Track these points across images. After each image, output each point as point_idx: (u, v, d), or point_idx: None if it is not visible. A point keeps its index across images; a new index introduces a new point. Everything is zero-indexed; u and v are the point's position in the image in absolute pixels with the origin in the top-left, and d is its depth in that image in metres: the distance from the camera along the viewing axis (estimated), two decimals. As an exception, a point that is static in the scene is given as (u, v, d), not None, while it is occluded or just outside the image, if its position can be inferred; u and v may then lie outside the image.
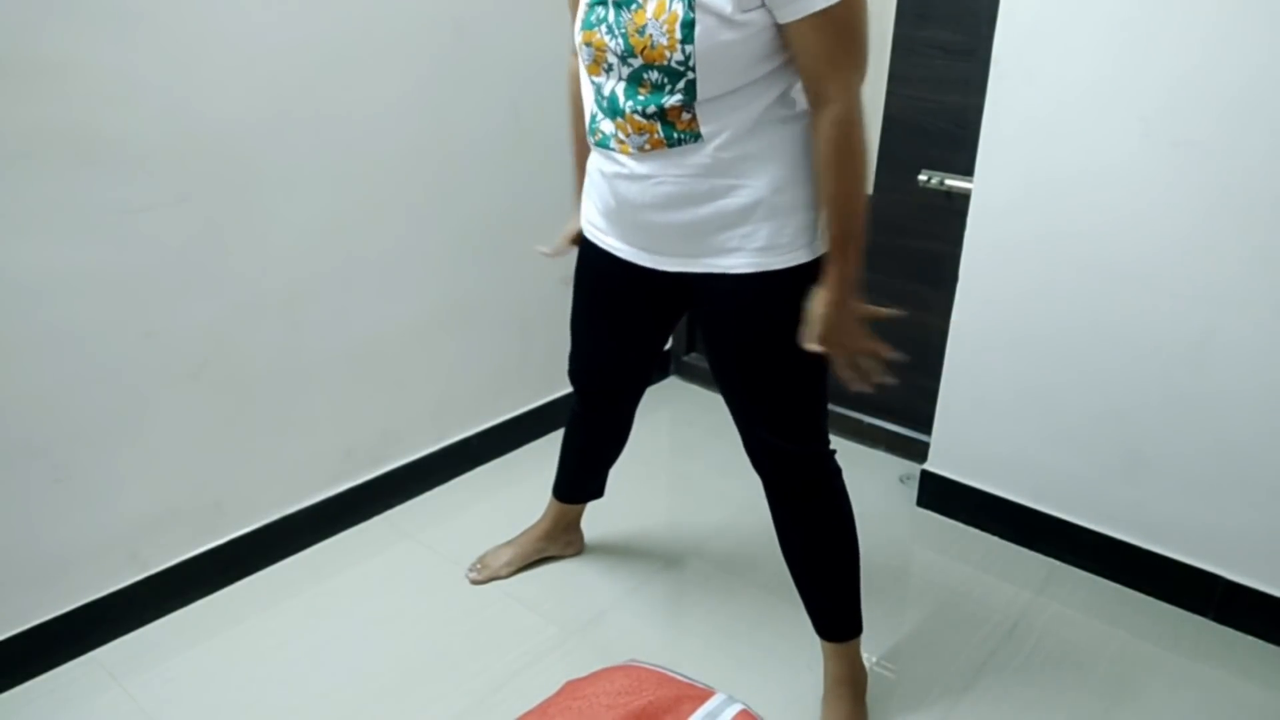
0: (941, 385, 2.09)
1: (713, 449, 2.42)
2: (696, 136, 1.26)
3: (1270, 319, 1.63)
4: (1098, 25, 1.66)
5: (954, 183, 2.02)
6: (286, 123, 1.75)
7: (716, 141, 1.26)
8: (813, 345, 1.30)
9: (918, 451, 2.30)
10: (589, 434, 1.85)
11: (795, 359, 1.36)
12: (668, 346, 2.84)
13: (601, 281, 1.55)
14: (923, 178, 2.06)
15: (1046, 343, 1.90)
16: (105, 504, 1.69)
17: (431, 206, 2.07)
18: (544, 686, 1.02)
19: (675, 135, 1.26)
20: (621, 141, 1.31)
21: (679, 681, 0.95)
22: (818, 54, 1.18)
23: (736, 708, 0.92)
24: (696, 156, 1.27)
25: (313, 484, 2.03)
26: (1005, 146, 1.83)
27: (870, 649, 1.70)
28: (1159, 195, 1.68)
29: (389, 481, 2.16)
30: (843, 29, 1.16)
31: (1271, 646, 1.78)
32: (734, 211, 1.30)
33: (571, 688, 0.95)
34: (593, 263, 1.54)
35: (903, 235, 2.25)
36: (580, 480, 1.92)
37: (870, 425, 2.45)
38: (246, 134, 1.70)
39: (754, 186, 1.29)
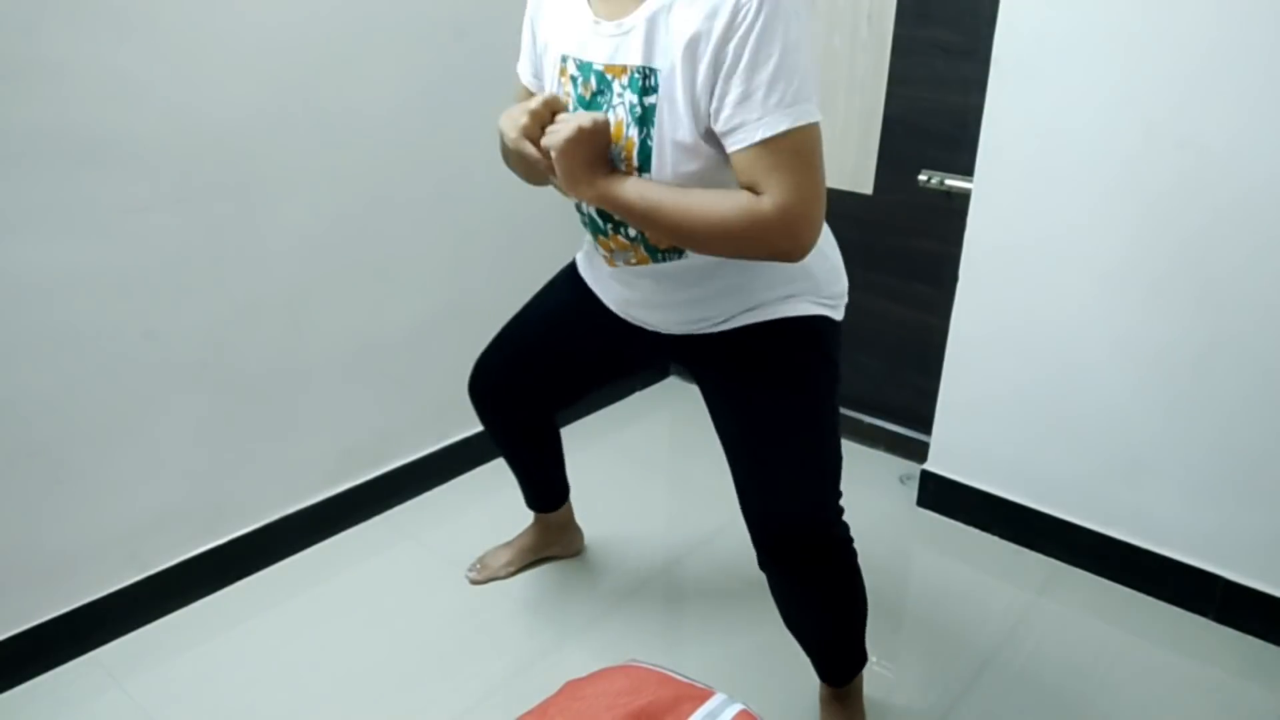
0: (941, 385, 2.09)
1: (713, 449, 2.40)
2: (680, 253, 1.26)
3: (1271, 320, 1.63)
4: (1099, 25, 1.66)
5: (954, 183, 2.02)
6: (287, 123, 1.75)
7: (702, 257, 1.25)
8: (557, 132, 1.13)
9: (918, 451, 2.30)
10: (508, 448, 1.81)
11: (805, 414, 1.33)
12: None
13: (571, 309, 1.53)
14: (923, 178, 2.06)
15: (1047, 343, 1.89)
16: (105, 504, 1.69)
17: (431, 207, 2.07)
18: (544, 686, 1.02)
19: (659, 255, 1.27)
20: (607, 258, 1.34)
21: (679, 681, 0.95)
22: (758, 181, 1.09)
23: (736, 708, 0.92)
24: (682, 269, 1.28)
25: (312, 484, 2.03)
26: (1005, 146, 1.83)
27: (870, 649, 1.69)
28: (1160, 196, 1.68)
29: (389, 481, 2.16)
30: (791, 158, 1.08)
31: (1271, 646, 1.78)
32: (726, 294, 1.31)
33: (571, 688, 0.95)
34: (572, 294, 1.52)
35: (903, 235, 2.25)
36: (531, 490, 1.89)
37: (870, 425, 2.45)
38: (247, 134, 1.70)
39: (743, 286, 1.30)
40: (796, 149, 1.08)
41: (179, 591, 1.84)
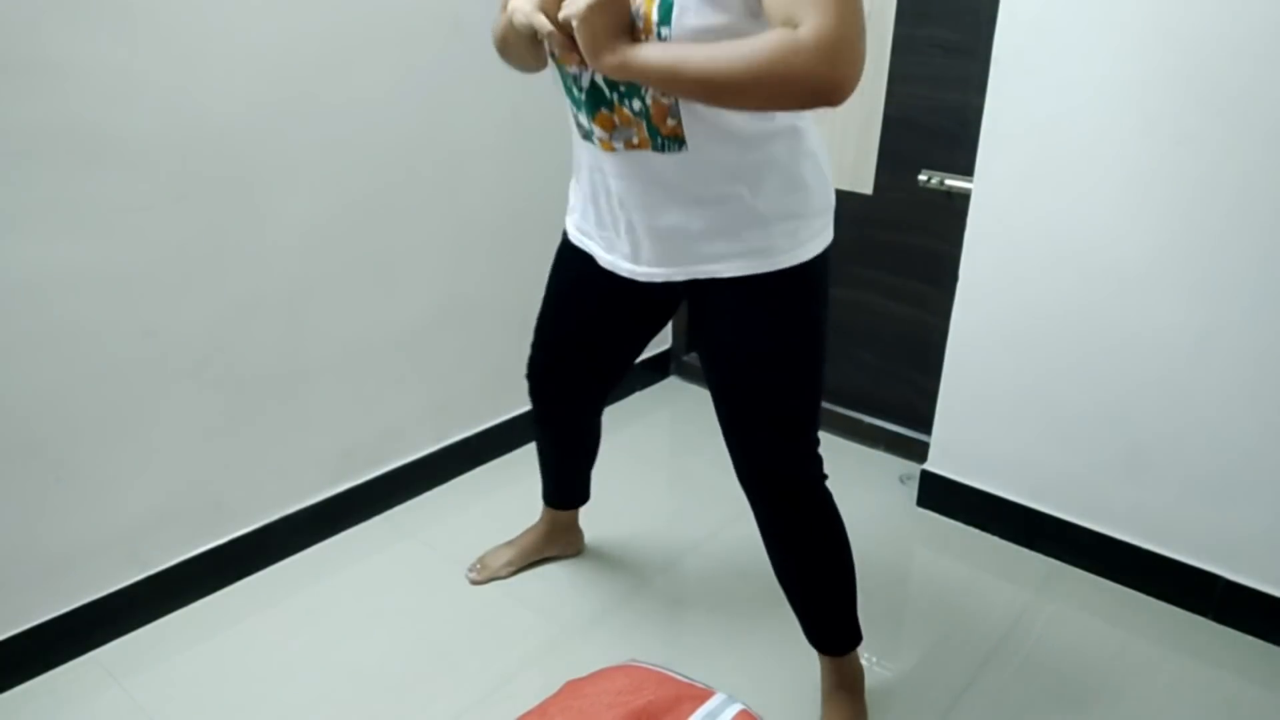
0: (941, 385, 2.09)
1: (712, 447, 2.40)
2: (681, 144, 1.22)
3: (1271, 318, 1.63)
4: (1099, 23, 1.66)
5: (954, 182, 2.02)
6: (286, 122, 1.75)
7: (702, 151, 1.22)
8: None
9: (918, 451, 2.30)
10: (551, 443, 1.82)
11: (792, 370, 1.34)
12: (666, 347, 2.84)
13: (581, 285, 1.52)
14: (923, 177, 2.06)
15: (1046, 342, 1.90)
16: (105, 504, 1.69)
17: (431, 205, 2.07)
18: (544, 686, 1.02)
19: (660, 140, 1.22)
20: (604, 139, 1.27)
21: (679, 681, 0.96)
22: (793, 13, 1.00)
23: (736, 708, 0.92)
24: (681, 163, 1.24)
25: (313, 484, 2.03)
26: (1005, 146, 1.83)
27: (870, 649, 1.70)
28: (1160, 194, 1.68)
29: (389, 481, 2.16)
30: None
31: (1271, 646, 1.78)
32: (721, 219, 1.28)
33: (571, 688, 0.96)
34: (574, 264, 1.51)
35: (903, 235, 2.25)
36: (560, 488, 1.90)
37: (870, 425, 2.45)
38: (246, 133, 1.70)
39: (741, 196, 1.26)
40: None
41: (179, 591, 1.84)
